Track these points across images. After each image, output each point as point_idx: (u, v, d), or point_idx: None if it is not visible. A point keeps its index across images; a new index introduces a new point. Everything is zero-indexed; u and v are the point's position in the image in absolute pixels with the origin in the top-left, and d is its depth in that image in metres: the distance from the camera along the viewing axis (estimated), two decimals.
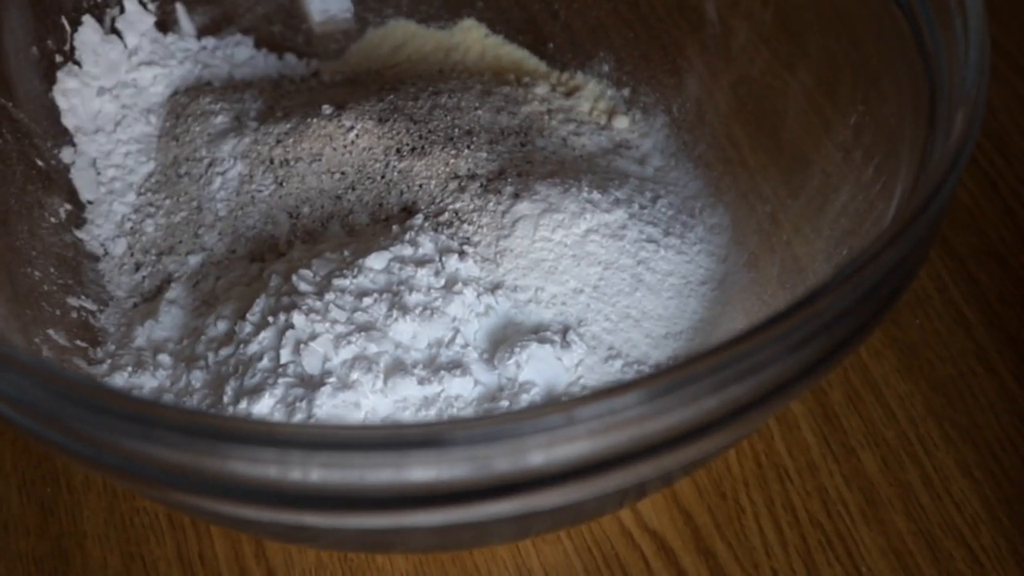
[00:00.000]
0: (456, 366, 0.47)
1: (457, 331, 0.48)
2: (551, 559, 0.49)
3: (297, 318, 0.48)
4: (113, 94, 0.60)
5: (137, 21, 0.62)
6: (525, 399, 0.47)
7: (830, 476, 0.51)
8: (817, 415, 0.53)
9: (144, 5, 0.62)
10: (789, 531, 0.50)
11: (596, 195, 0.53)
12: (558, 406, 0.34)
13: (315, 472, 0.33)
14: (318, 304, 0.48)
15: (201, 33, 0.64)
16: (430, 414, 0.47)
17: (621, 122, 0.62)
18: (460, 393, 0.47)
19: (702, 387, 0.35)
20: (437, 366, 0.47)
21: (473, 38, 0.66)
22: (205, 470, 0.34)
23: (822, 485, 0.51)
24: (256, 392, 0.47)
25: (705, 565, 0.49)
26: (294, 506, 0.35)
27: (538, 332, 0.49)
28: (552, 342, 0.49)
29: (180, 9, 0.64)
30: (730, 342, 0.35)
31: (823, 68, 0.55)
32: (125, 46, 0.62)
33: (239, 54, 0.65)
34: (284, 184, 0.56)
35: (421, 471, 0.33)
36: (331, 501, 0.34)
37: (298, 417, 0.46)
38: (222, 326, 0.51)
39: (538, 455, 0.33)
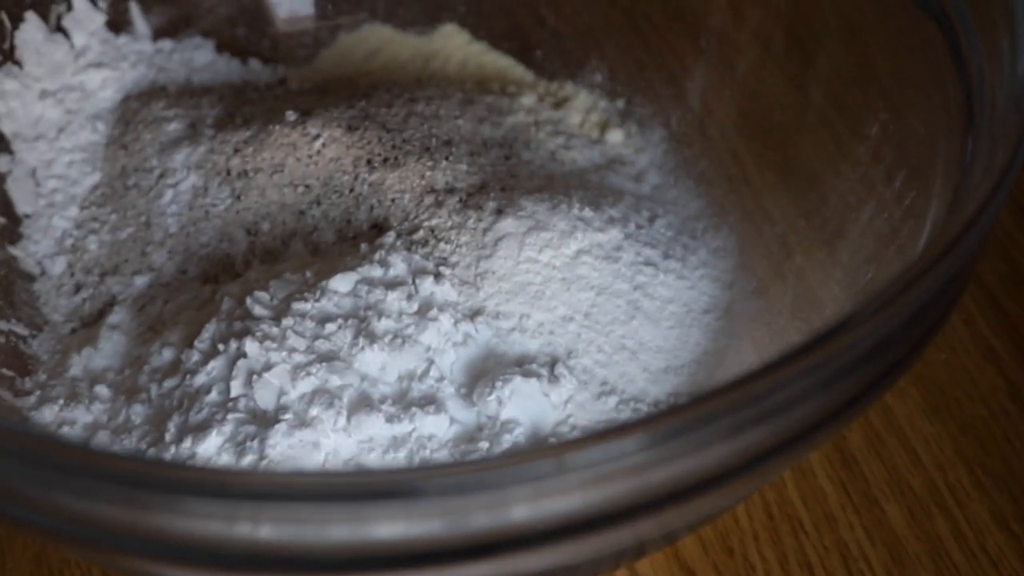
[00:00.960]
0: (430, 402, 0.43)
1: (431, 362, 0.44)
2: None
3: (250, 346, 0.43)
4: (57, 98, 0.55)
5: (86, 19, 0.57)
6: (507, 440, 0.43)
7: (850, 529, 0.46)
8: (834, 461, 0.48)
9: (94, 2, 0.57)
10: None
11: (588, 212, 0.48)
12: (546, 451, 0.29)
13: (265, 528, 0.29)
14: (274, 330, 0.43)
15: (157, 35, 0.60)
16: (399, 456, 0.42)
17: (615, 136, 0.57)
18: (434, 433, 0.43)
19: (715, 431, 0.30)
20: (408, 402, 0.43)
21: (454, 45, 0.62)
22: (136, 526, 0.30)
23: (841, 539, 0.46)
24: (202, 429, 0.42)
25: None
26: (241, 569, 0.30)
27: (522, 364, 0.45)
28: (538, 376, 0.44)
29: (134, 8, 0.59)
30: (748, 378, 0.30)
31: (835, 81, 0.51)
32: (72, 46, 0.57)
33: (199, 58, 0.59)
34: (242, 198, 0.51)
35: (387, 527, 0.29)
36: (284, 563, 0.30)
37: (248, 458, 0.41)
38: (167, 354, 0.46)
39: (523, 509, 0.29)
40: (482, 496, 0.28)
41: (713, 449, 0.30)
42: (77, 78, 0.56)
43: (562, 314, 0.47)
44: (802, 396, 0.30)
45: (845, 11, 0.50)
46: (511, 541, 0.29)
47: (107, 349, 0.48)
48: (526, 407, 0.44)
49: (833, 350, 0.30)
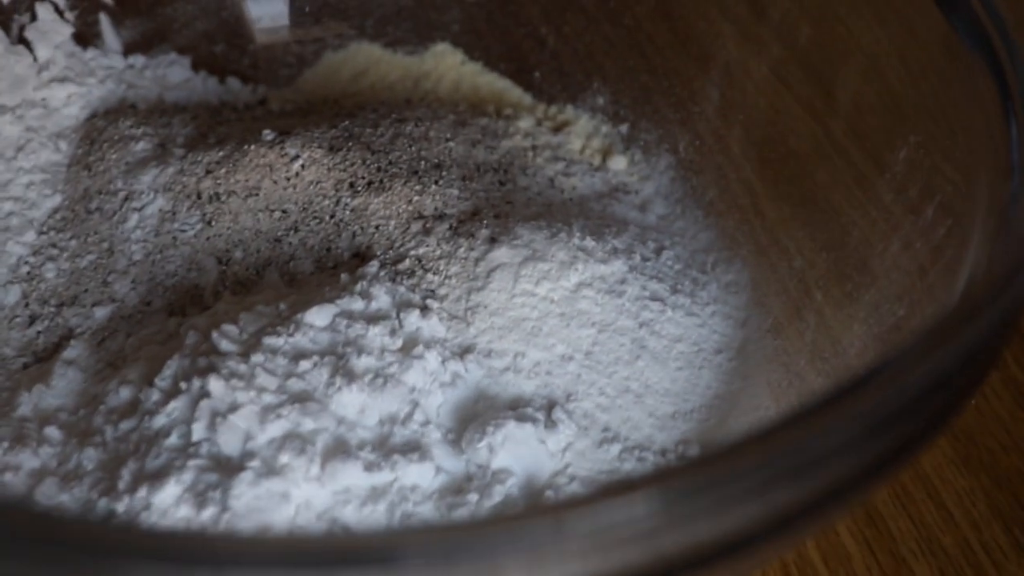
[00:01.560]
0: (413, 449, 0.40)
1: (416, 405, 0.41)
2: None
3: (214, 384, 0.40)
4: (16, 114, 0.52)
5: (51, 31, 0.53)
6: (499, 491, 0.40)
7: None
8: (858, 517, 0.45)
9: (61, 13, 0.54)
10: None
11: (590, 242, 0.45)
12: (544, 511, 0.25)
13: None
14: (242, 367, 0.40)
15: (129, 50, 0.57)
16: (379, 509, 0.39)
17: (618, 163, 0.54)
18: (417, 483, 0.39)
19: (740, 489, 0.27)
20: (389, 448, 0.39)
21: (447, 65, 0.58)
22: None
23: None
24: (159, 477, 0.38)
25: None
26: None
27: (517, 408, 0.42)
28: (534, 420, 0.41)
29: (105, 20, 0.55)
30: (778, 428, 0.26)
31: (854, 111, 0.49)
32: (35, 59, 0.54)
33: (172, 75, 0.56)
34: (213, 223, 0.47)
35: None
36: None
37: (210, 510, 0.37)
38: (125, 393, 0.42)
39: None
40: (470, 564, 0.24)
41: (736, 511, 0.26)
42: (39, 93, 0.53)
43: (561, 353, 0.43)
44: (841, 449, 0.26)
45: (865, 42, 0.47)
46: None
47: (61, 387, 0.44)
48: (520, 455, 0.40)
49: (877, 397, 0.27)
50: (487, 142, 0.51)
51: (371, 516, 0.38)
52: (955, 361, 0.28)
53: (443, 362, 0.42)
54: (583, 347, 0.43)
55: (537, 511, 0.25)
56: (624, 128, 0.55)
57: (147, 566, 0.25)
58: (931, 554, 0.44)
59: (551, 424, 0.41)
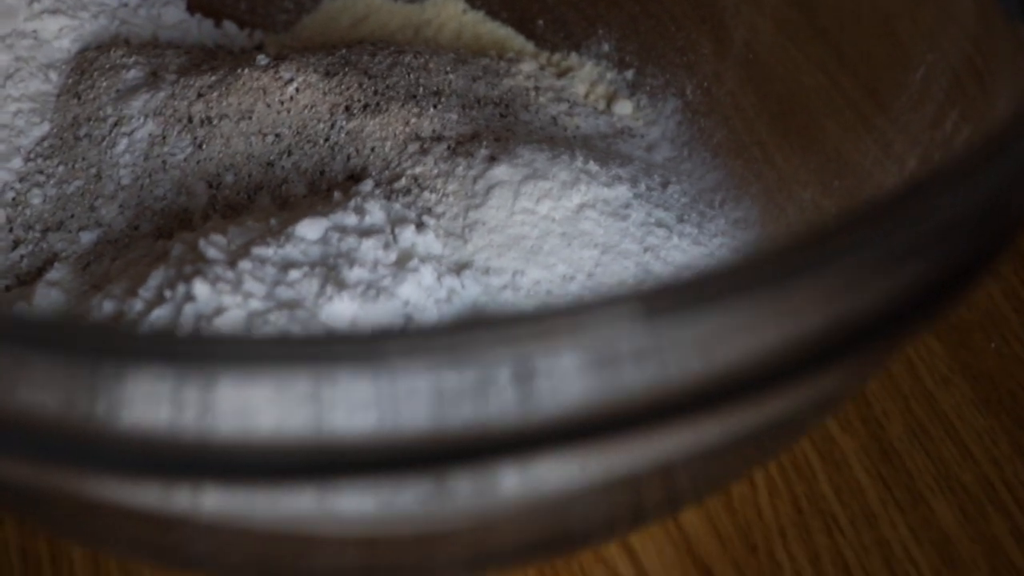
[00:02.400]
0: None
1: (410, 319, 0.38)
2: None
3: (200, 288, 0.37)
4: (6, 43, 0.50)
5: None
6: None
7: (893, 528, 0.40)
8: (872, 452, 0.42)
9: None
10: None
11: (593, 166, 0.43)
12: (529, 315, 0.23)
13: (219, 405, 0.24)
14: (229, 274, 0.38)
15: None
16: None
17: (624, 107, 0.52)
18: None
19: (742, 311, 0.23)
20: None
21: (448, 14, 0.56)
22: (61, 415, 0.24)
23: (883, 538, 0.40)
24: None
25: None
26: (187, 473, 0.25)
27: None
28: None
29: None
30: (802, 242, 0.23)
31: (863, 66, 0.47)
32: None
33: (167, 15, 0.54)
34: (204, 147, 0.45)
35: (348, 407, 0.25)
36: (237, 459, 0.25)
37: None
38: (108, 307, 0.40)
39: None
40: (457, 363, 0.23)
41: (735, 338, 0.23)
42: (30, 24, 0.51)
43: (562, 272, 0.41)
44: (876, 267, 0.23)
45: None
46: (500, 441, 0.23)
47: (43, 307, 0.42)
48: None
49: (922, 211, 0.24)
50: (488, 79, 0.49)
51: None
52: (1004, 182, 0.26)
53: (439, 277, 0.39)
54: (585, 268, 0.41)
55: (522, 314, 0.23)
56: (629, 74, 0.53)
57: (134, 368, 0.24)
58: (950, 491, 0.41)
59: None
